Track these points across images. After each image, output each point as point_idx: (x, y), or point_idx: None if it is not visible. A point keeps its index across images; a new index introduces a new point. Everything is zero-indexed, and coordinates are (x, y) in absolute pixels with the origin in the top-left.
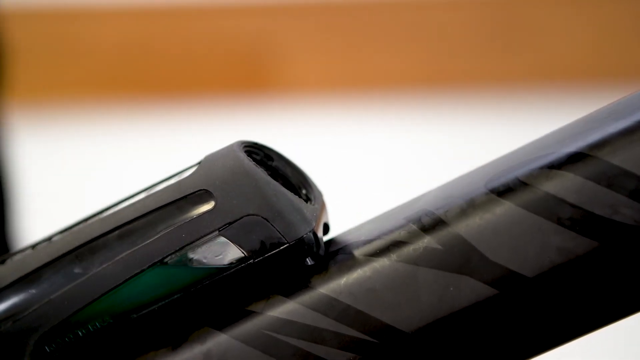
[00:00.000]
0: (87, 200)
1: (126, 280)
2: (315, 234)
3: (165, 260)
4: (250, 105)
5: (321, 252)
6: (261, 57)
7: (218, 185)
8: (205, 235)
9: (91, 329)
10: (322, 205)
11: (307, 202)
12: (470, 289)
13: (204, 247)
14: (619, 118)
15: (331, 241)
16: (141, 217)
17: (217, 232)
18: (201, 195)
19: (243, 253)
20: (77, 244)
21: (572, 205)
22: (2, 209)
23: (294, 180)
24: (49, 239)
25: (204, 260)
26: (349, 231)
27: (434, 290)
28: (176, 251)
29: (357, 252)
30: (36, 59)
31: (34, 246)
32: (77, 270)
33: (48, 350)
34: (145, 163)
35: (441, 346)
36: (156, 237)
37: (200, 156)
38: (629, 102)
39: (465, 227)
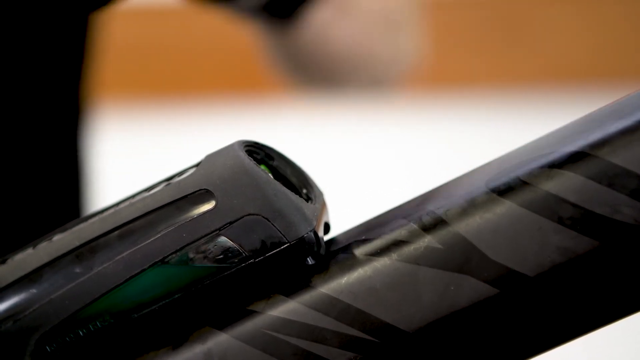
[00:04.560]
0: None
1: (127, 279)
2: (315, 234)
3: (166, 259)
4: (251, 104)
5: (322, 251)
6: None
7: (218, 184)
8: (205, 235)
9: (92, 329)
10: (323, 205)
11: (307, 202)
12: (470, 288)
13: (204, 247)
14: (619, 117)
15: (332, 240)
16: (142, 216)
17: (217, 232)
18: (202, 195)
19: (244, 252)
20: (77, 243)
21: (573, 205)
22: (77, 186)
23: (294, 179)
24: (49, 238)
25: (205, 260)
26: (350, 230)
27: (435, 289)
28: (177, 251)
29: (358, 252)
30: None
31: (34, 245)
32: (77, 269)
33: (49, 349)
34: (144, 162)
35: (442, 345)
36: (157, 236)
37: (200, 156)
38: (629, 101)
39: (466, 226)
